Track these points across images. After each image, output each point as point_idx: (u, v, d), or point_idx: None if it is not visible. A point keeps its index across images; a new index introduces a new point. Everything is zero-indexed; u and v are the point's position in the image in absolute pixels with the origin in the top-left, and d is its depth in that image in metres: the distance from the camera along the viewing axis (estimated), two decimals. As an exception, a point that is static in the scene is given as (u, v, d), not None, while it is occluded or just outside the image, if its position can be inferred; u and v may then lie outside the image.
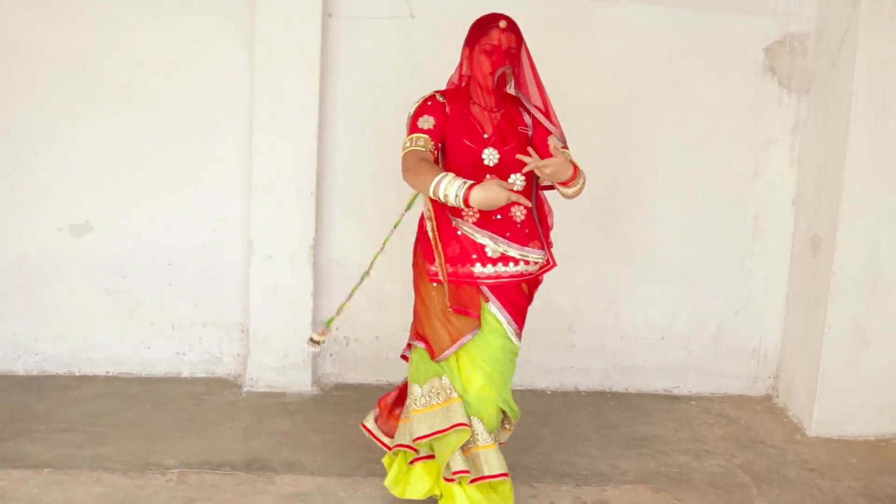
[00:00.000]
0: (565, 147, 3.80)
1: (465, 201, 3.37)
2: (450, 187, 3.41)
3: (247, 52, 5.16)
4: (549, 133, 3.79)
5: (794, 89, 5.42)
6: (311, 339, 3.94)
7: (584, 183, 3.73)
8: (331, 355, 5.49)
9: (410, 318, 5.34)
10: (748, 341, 5.63)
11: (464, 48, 3.81)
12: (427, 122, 3.70)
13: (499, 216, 3.70)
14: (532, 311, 4.67)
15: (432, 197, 3.49)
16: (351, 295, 4.09)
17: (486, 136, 3.72)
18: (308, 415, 5.04)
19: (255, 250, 5.23)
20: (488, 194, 3.35)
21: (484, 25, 3.73)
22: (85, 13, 5.13)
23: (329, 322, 4.01)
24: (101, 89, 5.21)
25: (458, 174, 3.54)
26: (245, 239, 5.30)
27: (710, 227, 5.48)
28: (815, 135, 5.33)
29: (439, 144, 3.72)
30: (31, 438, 4.54)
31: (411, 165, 3.59)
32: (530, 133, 3.79)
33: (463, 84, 3.85)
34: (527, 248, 3.74)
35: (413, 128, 3.72)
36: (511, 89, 3.80)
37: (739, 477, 4.56)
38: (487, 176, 3.65)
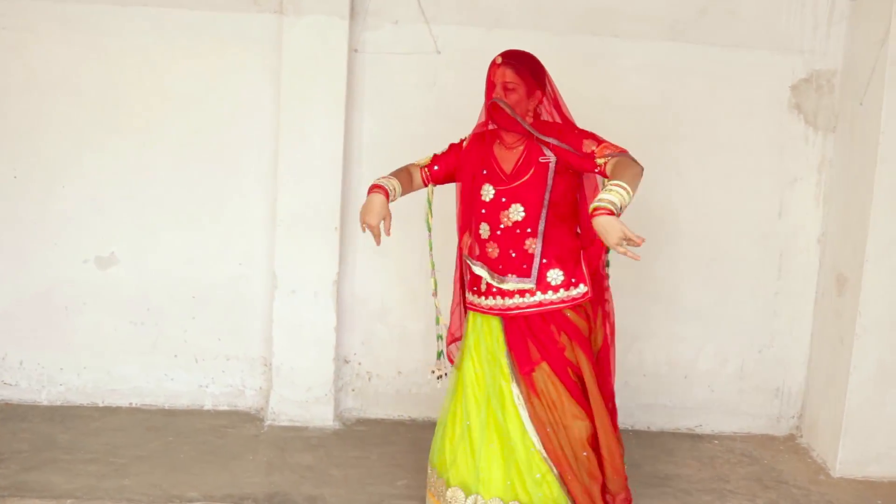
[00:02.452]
0: (600, 142, 3.73)
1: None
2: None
3: (273, 87, 5.18)
4: (575, 153, 3.71)
5: (821, 127, 5.38)
6: (433, 372, 4.17)
7: (634, 177, 3.57)
8: (353, 390, 5.49)
9: (432, 354, 5.36)
10: (772, 380, 5.58)
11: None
12: (444, 149, 4.06)
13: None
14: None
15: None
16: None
17: (484, 171, 3.84)
18: (330, 449, 5.03)
19: (278, 285, 5.24)
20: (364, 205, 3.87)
21: (490, 64, 3.81)
22: (113, 48, 5.17)
23: (439, 354, 4.18)
24: (129, 123, 5.24)
25: (463, 209, 3.99)
26: (269, 273, 5.31)
27: (734, 265, 5.45)
28: (841, 173, 5.30)
29: (435, 168, 4.03)
30: (55, 469, 4.56)
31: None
32: (553, 161, 3.75)
33: (493, 127, 3.91)
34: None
35: (435, 153, 4.10)
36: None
37: None
38: (482, 211, 3.84)
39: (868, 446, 5.07)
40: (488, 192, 3.82)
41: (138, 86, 5.22)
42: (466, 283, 4.01)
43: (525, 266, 3.79)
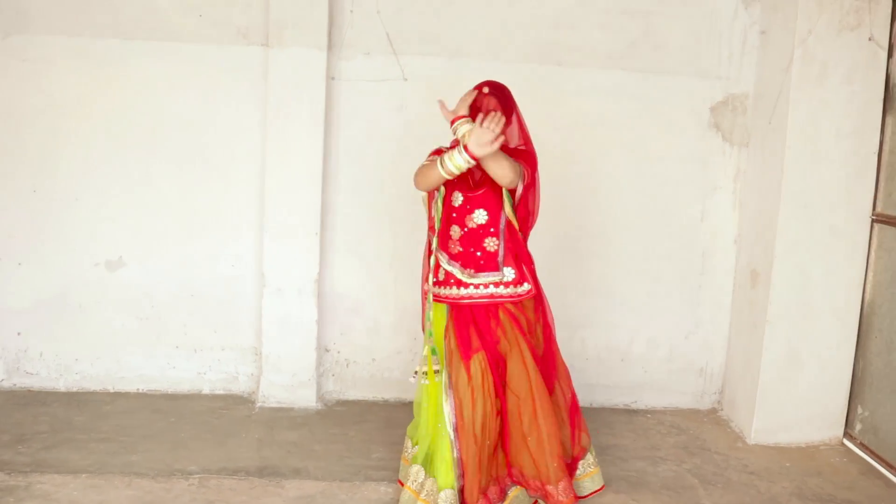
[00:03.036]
0: (524, 161, 3.84)
1: (466, 150, 3.59)
2: (457, 156, 3.63)
3: (260, 110, 5.16)
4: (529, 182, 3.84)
5: (736, 143, 5.40)
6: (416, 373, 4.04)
7: (505, 163, 3.71)
8: (333, 375, 5.46)
9: (402, 342, 5.39)
10: (697, 362, 5.60)
11: None
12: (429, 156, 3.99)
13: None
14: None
15: (443, 173, 3.69)
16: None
17: (455, 180, 3.83)
18: (313, 427, 5.03)
19: (266, 284, 5.22)
20: (477, 137, 3.57)
21: (474, 91, 3.84)
22: (120, 77, 5.14)
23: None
24: (134, 142, 5.21)
25: (441, 210, 3.92)
26: (258, 274, 5.29)
27: (663, 263, 5.47)
28: (753, 183, 5.33)
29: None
30: (71, 447, 4.56)
31: (420, 170, 3.89)
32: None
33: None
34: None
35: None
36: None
37: (688, 480, 4.57)
38: (453, 214, 3.88)
39: (778, 417, 5.10)
40: (457, 198, 3.87)
41: (142, 110, 5.19)
42: (429, 273, 4.00)
43: (489, 262, 3.85)
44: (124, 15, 5.09)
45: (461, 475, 3.83)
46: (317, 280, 5.26)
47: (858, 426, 5.13)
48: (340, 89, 5.21)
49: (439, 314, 3.97)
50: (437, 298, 3.95)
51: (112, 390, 5.41)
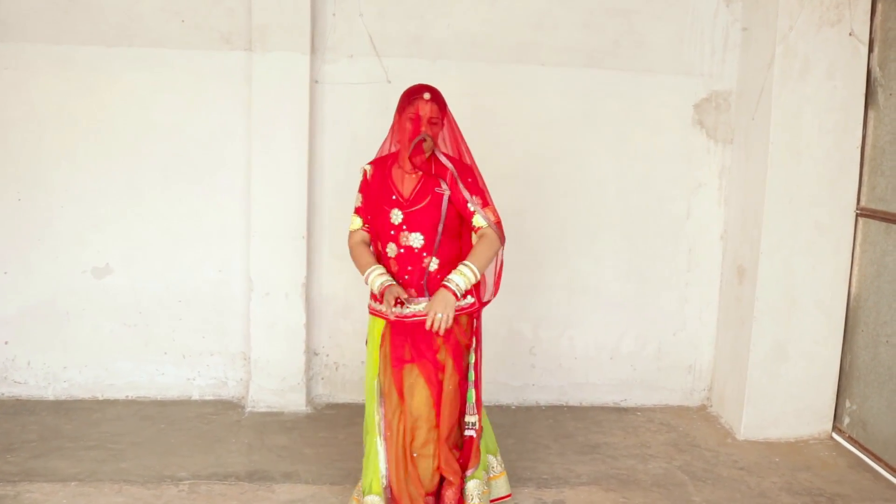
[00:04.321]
0: (484, 204, 3.69)
1: (379, 296, 3.63)
2: (374, 283, 3.66)
3: (245, 115, 5.16)
4: (465, 198, 3.66)
5: (720, 140, 5.42)
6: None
7: (483, 264, 3.63)
8: (322, 379, 5.47)
9: None
10: (685, 359, 5.62)
11: (394, 115, 3.76)
12: (358, 199, 3.84)
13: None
14: (497, 335, 4.65)
15: (365, 282, 3.72)
16: None
17: (393, 197, 3.69)
18: (303, 431, 5.02)
19: (254, 288, 5.22)
20: (386, 297, 3.57)
21: (410, 96, 3.68)
22: (103, 83, 5.15)
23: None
24: (120, 149, 5.20)
25: (373, 231, 3.80)
26: (246, 278, 5.28)
27: (650, 261, 5.48)
28: (738, 179, 5.35)
29: (366, 225, 3.82)
30: (60, 455, 4.55)
31: (352, 247, 3.86)
32: (447, 193, 3.65)
33: (393, 149, 3.80)
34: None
35: (356, 206, 3.86)
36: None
37: (678, 476, 4.59)
38: (391, 232, 3.68)
39: (767, 413, 5.14)
40: (397, 216, 3.69)
41: (126, 116, 5.18)
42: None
43: (422, 282, 3.67)
44: (106, 22, 5.09)
45: (388, 487, 3.75)
46: (304, 284, 5.25)
47: (847, 420, 5.15)
48: (324, 92, 5.22)
49: (376, 324, 3.84)
50: (374, 313, 3.83)
51: (101, 398, 5.38)
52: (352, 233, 3.87)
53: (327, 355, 5.46)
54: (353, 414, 5.19)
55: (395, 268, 3.71)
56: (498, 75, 5.21)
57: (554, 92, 5.31)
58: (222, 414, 5.24)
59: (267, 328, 5.27)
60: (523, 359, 5.50)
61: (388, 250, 3.72)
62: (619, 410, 5.53)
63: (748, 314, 5.12)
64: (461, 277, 3.57)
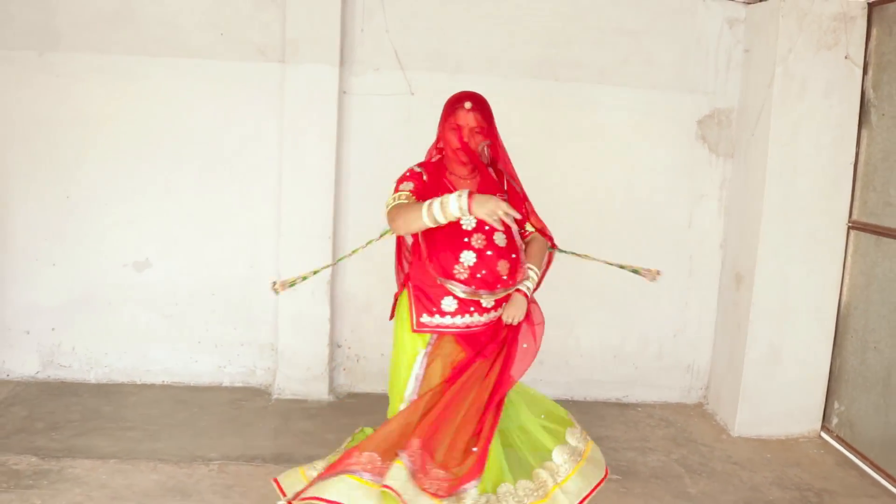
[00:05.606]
0: (532, 212, 3.60)
1: (469, 209, 3.12)
2: (450, 201, 3.14)
3: (277, 122, 5.19)
4: (521, 198, 3.55)
5: (722, 154, 5.45)
6: (274, 285, 3.76)
7: (543, 262, 3.59)
8: (344, 369, 5.49)
9: None
10: (684, 359, 5.65)
11: (438, 124, 3.54)
12: (407, 185, 3.43)
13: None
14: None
15: (428, 221, 3.19)
16: (324, 268, 4.11)
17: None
18: (325, 418, 5.07)
19: None
20: (489, 203, 3.10)
21: (452, 105, 3.45)
22: (146, 91, 5.19)
23: (293, 282, 3.86)
24: (159, 152, 5.26)
25: (438, 240, 3.39)
26: (275, 274, 5.24)
27: (653, 266, 5.23)
28: (738, 191, 5.37)
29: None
30: (100, 434, 4.63)
31: (396, 209, 3.34)
32: (506, 198, 3.49)
33: (436, 157, 3.57)
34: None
35: (396, 190, 3.46)
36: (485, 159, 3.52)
37: (676, 469, 4.63)
38: (465, 239, 3.39)
39: (760, 412, 5.16)
40: (471, 221, 3.39)
41: (166, 122, 5.23)
42: (432, 304, 3.46)
43: (508, 278, 3.43)
44: (150, 33, 5.15)
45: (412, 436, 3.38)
46: (329, 281, 5.29)
47: (835, 420, 5.17)
48: (352, 103, 5.25)
49: (417, 342, 3.51)
50: (427, 329, 3.48)
51: (138, 382, 5.45)
52: (395, 206, 3.37)
53: (349, 348, 5.51)
54: (372, 403, 5.21)
55: (465, 275, 3.37)
56: (514, 89, 5.22)
57: (567, 106, 5.32)
58: (250, 400, 5.29)
59: (293, 321, 5.31)
60: (532, 356, 5.53)
61: (462, 258, 3.39)
62: (622, 406, 5.56)
63: (744, 318, 5.14)
64: (530, 281, 3.46)
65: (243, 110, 5.27)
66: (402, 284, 3.66)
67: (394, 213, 3.35)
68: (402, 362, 3.53)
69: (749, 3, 5.28)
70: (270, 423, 4.96)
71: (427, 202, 3.21)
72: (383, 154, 5.29)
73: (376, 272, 5.34)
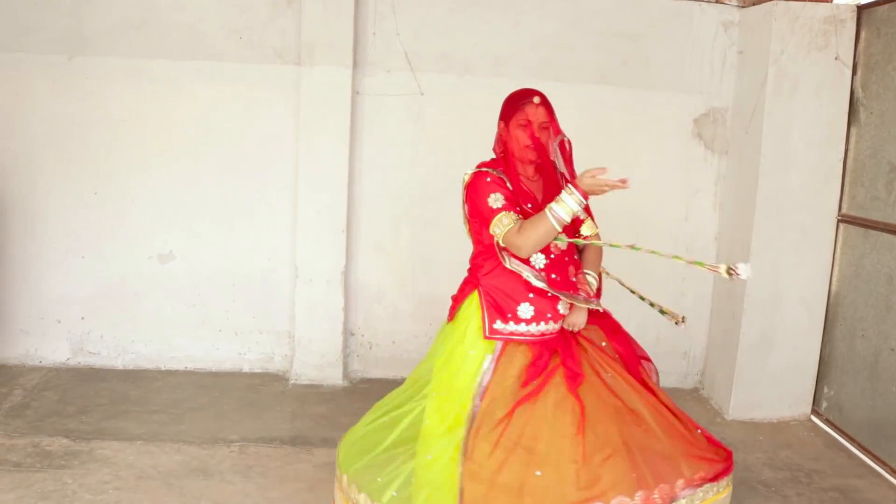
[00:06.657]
0: (589, 213, 3.39)
1: (578, 190, 2.94)
2: (567, 198, 2.97)
3: (293, 121, 5.23)
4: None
5: (716, 150, 5.47)
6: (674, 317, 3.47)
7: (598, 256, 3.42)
8: (357, 356, 5.54)
9: (419, 327, 5.37)
10: (681, 346, 5.64)
11: (499, 123, 3.24)
12: (498, 199, 3.12)
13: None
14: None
15: (557, 226, 2.97)
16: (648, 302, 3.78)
17: (529, 206, 3.17)
18: (340, 402, 5.11)
19: (299, 275, 5.31)
20: (594, 185, 2.94)
21: (517, 101, 3.19)
22: (170, 92, 5.25)
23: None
24: (183, 151, 5.31)
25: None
26: (292, 266, 5.36)
27: (651, 258, 5.43)
28: (732, 186, 5.39)
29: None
30: (127, 418, 4.68)
31: (521, 232, 3.04)
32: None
33: (500, 155, 3.26)
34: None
35: (488, 209, 3.10)
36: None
37: None
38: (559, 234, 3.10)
39: (753, 396, 5.18)
40: None
41: (189, 122, 5.27)
42: (507, 311, 3.18)
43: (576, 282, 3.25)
44: (173, 39, 5.21)
45: None
46: (343, 272, 5.34)
47: (824, 404, 5.21)
48: (364, 103, 5.29)
49: (481, 350, 3.19)
50: (518, 337, 3.19)
51: (163, 368, 5.49)
52: (508, 232, 3.07)
53: (362, 335, 5.56)
54: (384, 388, 4.85)
55: (540, 280, 3.13)
56: (513, 87, 5.19)
57: (569, 105, 5.05)
58: (269, 385, 5.33)
59: (309, 310, 5.35)
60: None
61: (534, 261, 3.15)
62: (621, 391, 5.62)
63: (738, 307, 5.17)
64: (590, 287, 3.26)
65: (261, 110, 5.30)
66: (469, 288, 3.30)
67: (514, 237, 3.06)
68: (461, 368, 3.17)
69: (743, 7, 5.31)
70: (288, 407, 5.00)
71: (547, 214, 2.98)
72: (394, 151, 5.36)
73: (388, 263, 5.48)
